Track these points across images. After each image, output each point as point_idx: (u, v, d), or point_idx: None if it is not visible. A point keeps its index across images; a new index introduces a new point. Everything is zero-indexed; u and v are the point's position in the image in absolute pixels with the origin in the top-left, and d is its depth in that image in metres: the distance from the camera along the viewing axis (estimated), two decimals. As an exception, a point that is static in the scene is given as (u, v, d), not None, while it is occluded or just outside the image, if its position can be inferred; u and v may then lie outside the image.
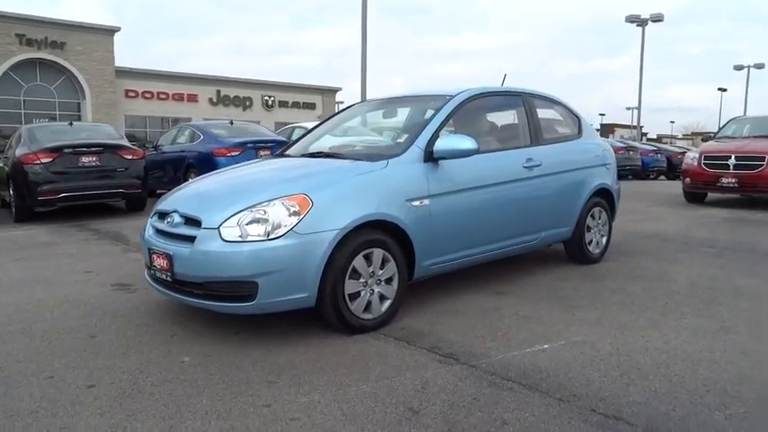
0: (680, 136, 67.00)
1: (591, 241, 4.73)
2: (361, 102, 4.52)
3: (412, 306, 3.54)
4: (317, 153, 3.88)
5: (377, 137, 4.60)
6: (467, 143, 3.42)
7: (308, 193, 2.98)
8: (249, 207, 2.91)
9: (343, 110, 4.91)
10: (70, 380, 2.59)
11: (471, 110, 4.04)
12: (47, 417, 2.24)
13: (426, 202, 3.34)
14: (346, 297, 2.99)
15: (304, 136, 4.55)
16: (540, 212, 4.18)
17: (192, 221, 3.04)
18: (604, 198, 4.82)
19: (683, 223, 7.23)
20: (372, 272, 3.11)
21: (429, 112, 3.80)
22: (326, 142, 4.24)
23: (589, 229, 4.68)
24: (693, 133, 64.14)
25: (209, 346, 2.99)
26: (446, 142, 3.46)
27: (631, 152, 18.56)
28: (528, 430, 2.10)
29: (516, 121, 4.39)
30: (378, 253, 3.11)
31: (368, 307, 3.12)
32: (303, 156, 3.97)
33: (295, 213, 2.88)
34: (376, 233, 3.11)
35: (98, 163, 8.02)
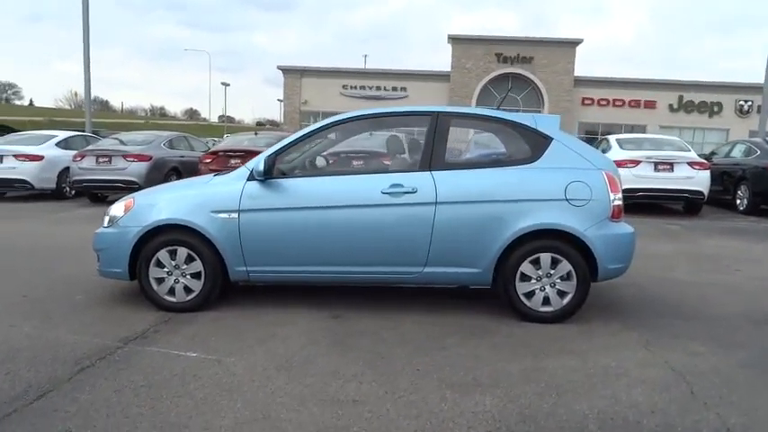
0: None
1: (531, 293, 3.71)
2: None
3: (245, 303, 4.06)
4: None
5: None
6: (259, 166, 3.70)
7: (136, 197, 3.95)
8: (114, 203, 4.05)
9: None
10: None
11: (342, 133, 4.04)
12: None
13: (234, 215, 3.71)
14: (151, 280, 3.80)
15: None
16: (414, 244, 3.69)
17: None
18: (569, 243, 3.66)
19: None
20: (176, 264, 3.79)
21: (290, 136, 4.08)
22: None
23: (527, 278, 3.70)
24: None
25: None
26: (255, 165, 3.74)
27: None
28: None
29: (403, 145, 3.92)
30: (182, 251, 3.76)
31: (172, 292, 3.82)
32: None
33: (125, 211, 3.86)
34: (178, 234, 3.75)
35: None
